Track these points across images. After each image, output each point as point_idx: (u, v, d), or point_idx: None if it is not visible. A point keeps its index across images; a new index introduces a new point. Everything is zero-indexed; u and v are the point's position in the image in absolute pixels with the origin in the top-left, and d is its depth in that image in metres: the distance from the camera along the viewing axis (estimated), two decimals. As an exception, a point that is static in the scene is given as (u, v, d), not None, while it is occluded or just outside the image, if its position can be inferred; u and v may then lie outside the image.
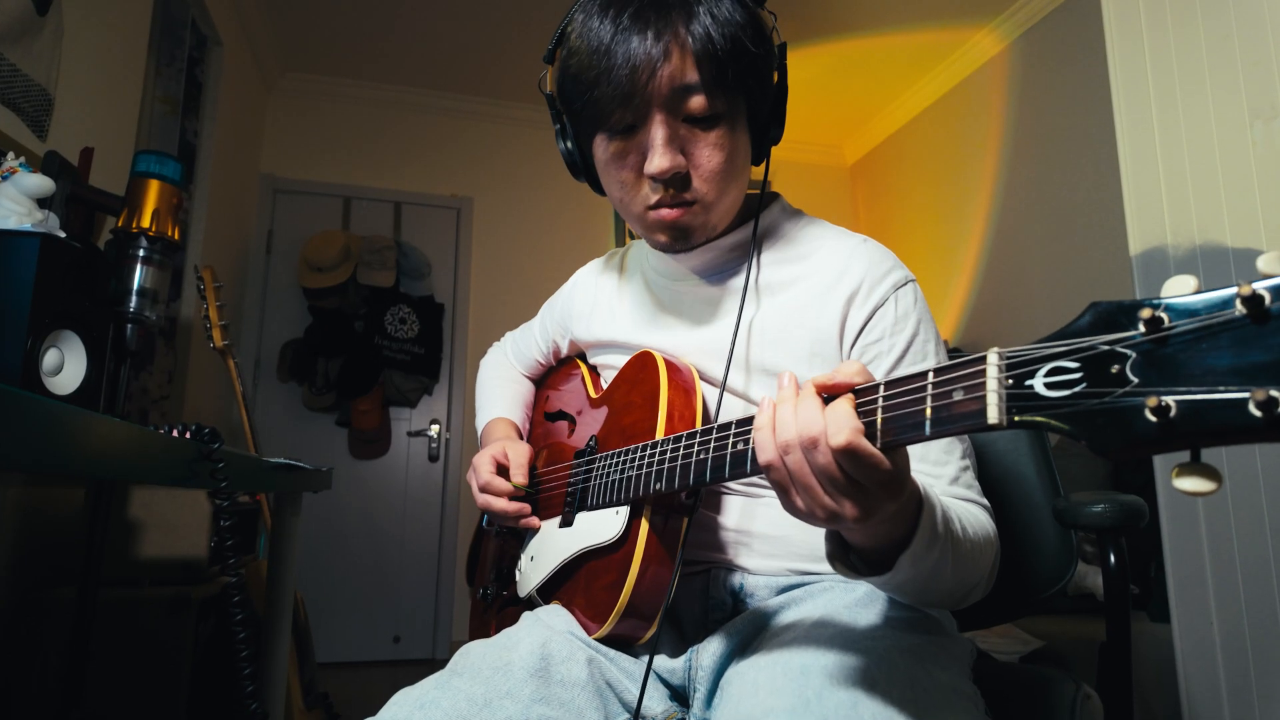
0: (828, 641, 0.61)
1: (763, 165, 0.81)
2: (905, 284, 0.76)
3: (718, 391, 0.75)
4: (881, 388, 0.48)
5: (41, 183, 0.99)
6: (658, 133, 0.70)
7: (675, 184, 0.73)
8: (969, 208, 3.53)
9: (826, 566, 0.65)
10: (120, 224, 1.10)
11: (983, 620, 0.96)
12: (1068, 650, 2.02)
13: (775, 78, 0.77)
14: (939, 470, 0.71)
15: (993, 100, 3.41)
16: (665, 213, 0.74)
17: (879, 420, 0.47)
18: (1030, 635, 2.07)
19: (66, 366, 0.89)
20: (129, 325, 1.10)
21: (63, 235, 0.90)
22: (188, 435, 0.85)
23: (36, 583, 1.64)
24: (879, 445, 0.47)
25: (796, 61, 3.57)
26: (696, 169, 0.73)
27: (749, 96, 0.73)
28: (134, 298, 1.10)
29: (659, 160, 0.70)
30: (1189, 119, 1.58)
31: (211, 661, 1.69)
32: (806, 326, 0.76)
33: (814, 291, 0.77)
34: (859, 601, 0.70)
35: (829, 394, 0.50)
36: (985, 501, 0.72)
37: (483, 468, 0.90)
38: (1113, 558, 0.87)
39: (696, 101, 0.69)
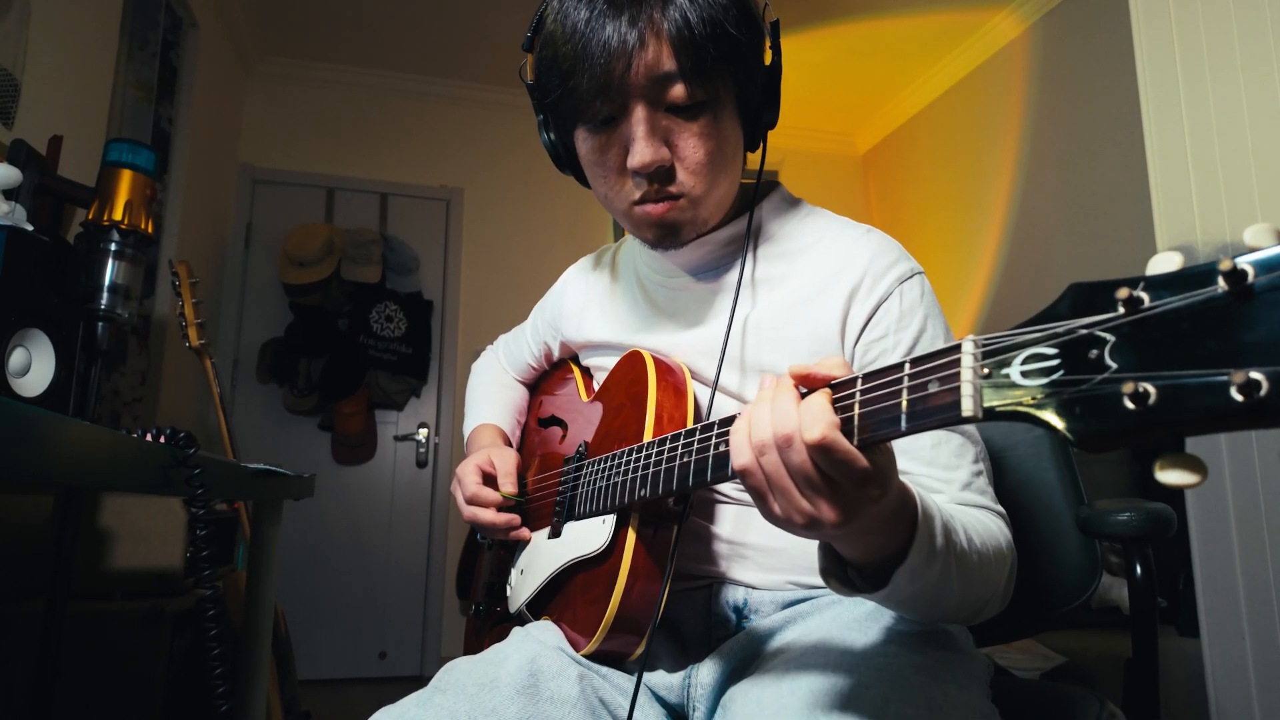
0: (836, 659, 0.61)
1: (759, 152, 0.81)
2: (911, 276, 0.75)
3: (711, 393, 0.75)
4: (860, 380, 0.48)
5: (7, 173, 0.99)
6: (638, 125, 0.70)
7: (659, 177, 0.72)
8: (987, 198, 3.53)
9: None
10: (91, 216, 1.10)
11: (1001, 635, 0.96)
12: (1091, 666, 2.02)
13: (769, 58, 0.76)
14: (949, 475, 0.70)
15: (1012, 85, 3.41)
16: (651, 208, 0.74)
17: (856, 415, 0.47)
18: (1052, 651, 2.07)
19: (34, 367, 0.89)
20: (100, 323, 1.10)
21: (30, 228, 0.90)
22: (162, 440, 0.85)
23: (1, 596, 1.64)
24: (856, 441, 0.47)
25: (805, 45, 3.57)
26: (681, 161, 0.72)
27: (737, 80, 0.73)
28: (105, 294, 1.10)
29: (640, 153, 0.70)
30: (1219, 105, 1.58)
31: (187, 678, 1.69)
32: (806, 324, 0.76)
33: (814, 286, 0.77)
34: (867, 616, 0.69)
35: (807, 388, 0.51)
36: (1000, 509, 0.72)
37: (468, 478, 0.89)
38: (1139, 569, 0.87)
39: (677, 90, 0.69)
